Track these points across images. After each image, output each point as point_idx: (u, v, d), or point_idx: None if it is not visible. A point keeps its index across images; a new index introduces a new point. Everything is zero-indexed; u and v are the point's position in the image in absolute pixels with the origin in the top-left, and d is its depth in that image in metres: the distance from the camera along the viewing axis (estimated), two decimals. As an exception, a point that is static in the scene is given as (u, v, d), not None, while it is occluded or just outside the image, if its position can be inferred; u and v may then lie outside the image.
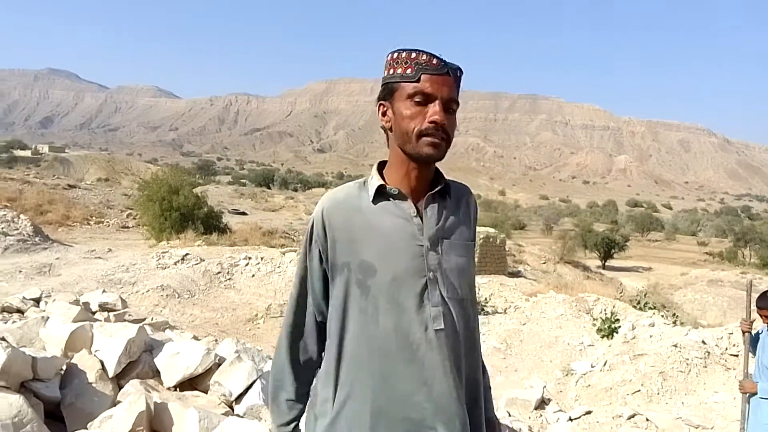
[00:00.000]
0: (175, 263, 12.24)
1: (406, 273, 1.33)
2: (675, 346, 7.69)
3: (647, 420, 6.14)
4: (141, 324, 4.23)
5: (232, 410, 3.34)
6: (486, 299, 11.79)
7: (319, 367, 1.46)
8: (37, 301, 5.34)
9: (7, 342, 3.20)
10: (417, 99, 1.31)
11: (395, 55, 1.35)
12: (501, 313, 11.35)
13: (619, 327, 9.29)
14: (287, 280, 11.62)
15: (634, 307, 11.40)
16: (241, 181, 72.51)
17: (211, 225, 18.15)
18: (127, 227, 20.29)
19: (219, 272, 11.84)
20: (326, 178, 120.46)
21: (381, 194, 1.38)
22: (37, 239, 13.71)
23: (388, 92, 1.38)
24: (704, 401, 6.47)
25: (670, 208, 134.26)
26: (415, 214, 1.36)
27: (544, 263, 27.41)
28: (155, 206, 17.12)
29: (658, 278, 26.75)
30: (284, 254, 13.00)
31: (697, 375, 7.17)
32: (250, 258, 12.56)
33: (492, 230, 21.90)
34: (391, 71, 1.36)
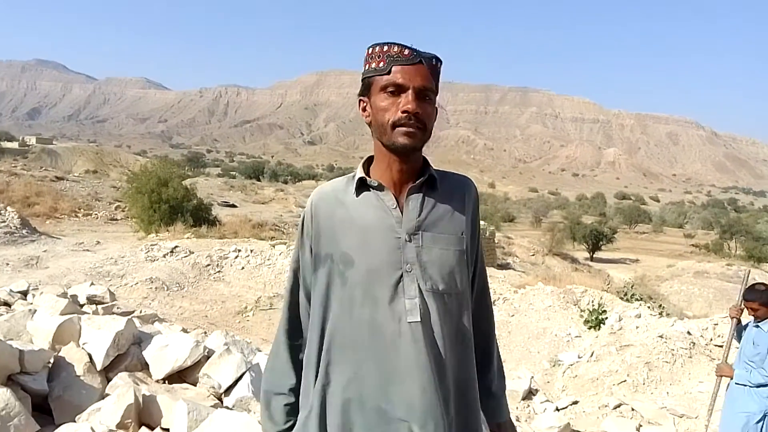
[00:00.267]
0: (164, 256, 12.19)
1: (381, 265, 1.33)
2: (661, 337, 7.80)
3: (633, 410, 6.23)
4: (129, 317, 4.22)
5: (221, 402, 3.35)
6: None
7: None
8: (24, 293, 5.31)
9: (-6, 335, 3.19)
10: (390, 90, 1.32)
11: (370, 50, 1.37)
12: (490, 304, 11.40)
13: (606, 318, 9.38)
14: (277, 272, 11.61)
15: (621, 298, 11.50)
16: (231, 173, 72.11)
17: (200, 217, 18.08)
18: (116, 219, 20.17)
19: (208, 265, 11.81)
20: (317, 170, 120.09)
21: (363, 186, 1.40)
22: (24, 232, 13.60)
23: (365, 88, 1.39)
24: (689, 391, 6.57)
25: (658, 201, 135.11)
26: (395, 205, 1.36)
27: (533, 255, 27.57)
28: (144, 198, 17.03)
29: (645, 270, 26.98)
30: (274, 247, 12.98)
31: (683, 365, 7.27)
32: (239, 250, 12.54)
33: (481, 222, 21.94)
34: (367, 66, 1.37)
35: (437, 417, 1.30)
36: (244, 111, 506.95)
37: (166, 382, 3.50)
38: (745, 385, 3.78)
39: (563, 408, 6.45)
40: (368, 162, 1.46)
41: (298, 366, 1.46)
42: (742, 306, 4.11)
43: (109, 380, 3.31)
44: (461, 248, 1.40)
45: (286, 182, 60.95)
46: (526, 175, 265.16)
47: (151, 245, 12.92)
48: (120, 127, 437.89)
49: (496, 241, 24.36)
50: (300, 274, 1.46)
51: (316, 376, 1.38)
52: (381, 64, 1.34)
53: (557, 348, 8.96)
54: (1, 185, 19.92)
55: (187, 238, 14.65)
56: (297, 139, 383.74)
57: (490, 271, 15.93)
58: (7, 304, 4.88)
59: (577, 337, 9.28)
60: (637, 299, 11.79)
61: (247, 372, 3.49)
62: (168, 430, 2.93)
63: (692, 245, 45.33)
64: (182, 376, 3.58)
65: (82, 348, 3.38)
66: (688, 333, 8.02)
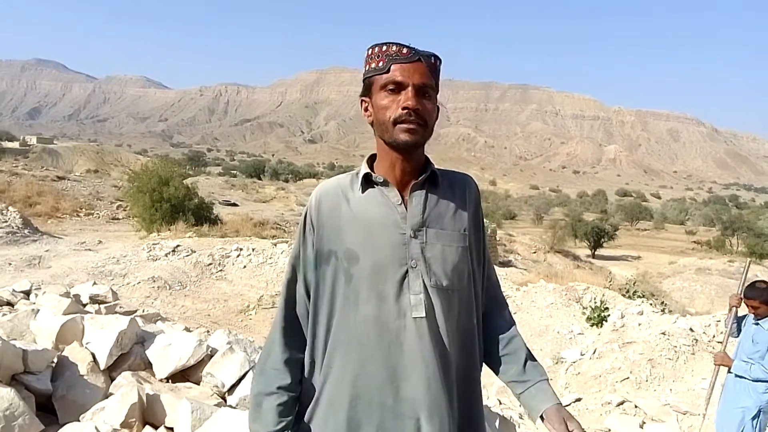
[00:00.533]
0: (166, 255, 12.20)
1: (386, 261, 1.33)
2: (663, 333, 7.79)
3: (636, 407, 6.23)
4: (132, 316, 4.22)
5: (225, 401, 3.35)
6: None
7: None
8: (27, 293, 5.32)
9: (-2, 335, 3.19)
10: (390, 88, 1.34)
11: (369, 51, 1.38)
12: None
13: (609, 315, 9.38)
14: (279, 271, 11.62)
15: (623, 295, 11.50)
16: (232, 172, 72.14)
17: (201, 216, 18.09)
18: (118, 219, 20.18)
19: (210, 264, 11.82)
20: (317, 168, 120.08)
21: (368, 183, 1.41)
22: (26, 231, 13.62)
23: (366, 88, 1.41)
24: (692, 388, 6.57)
25: (659, 198, 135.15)
26: (400, 202, 1.37)
27: (535, 253, 27.55)
28: (145, 198, 17.03)
29: (647, 267, 26.97)
30: (275, 245, 12.99)
31: (685, 362, 7.26)
32: (241, 249, 12.55)
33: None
34: (367, 67, 1.39)
35: (443, 411, 1.31)
36: (245, 109, 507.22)
37: (170, 381, 3.50)
38: (743, 378, 3.78)
39: (566, 405, 6.45)
40: (371, 159, 1.46)
41: (293, 365, 1.44)
42: (742, 296, 4.11)
43: (112, 379, 3.31)
44: (464, 245, 1.42)
45: (287, 181, 60.95)
46: (527, 173, 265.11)
47: (153, 244, 12.93)
48: (120, 127, 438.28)
49: (498, 239, 24.35)
50: (299, 270, 1.45)
51: (321, 373, 1.38)
52: (380, 64, 1.35)
53: (560, 345, 8.97)
54: (3, 185, 19.94)
55: (189, 237, 14.66)
56: (297, 137, 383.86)
57: (492, 269, 15.89)
58: (10, 303, 4.88)
59: (579, 334, 9.28)
60: (639, 296, 11.78)
61: (251, 370, 3.48)
62: (172, 429, 2.93)
63: (694, 242, 45.28)
64: (185, 375, 3.57)
65: (86, 347, 3.38)
66: (691, 330, 8.01)
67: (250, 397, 1.48)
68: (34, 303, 4.65)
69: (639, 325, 8.62)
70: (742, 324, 4.07)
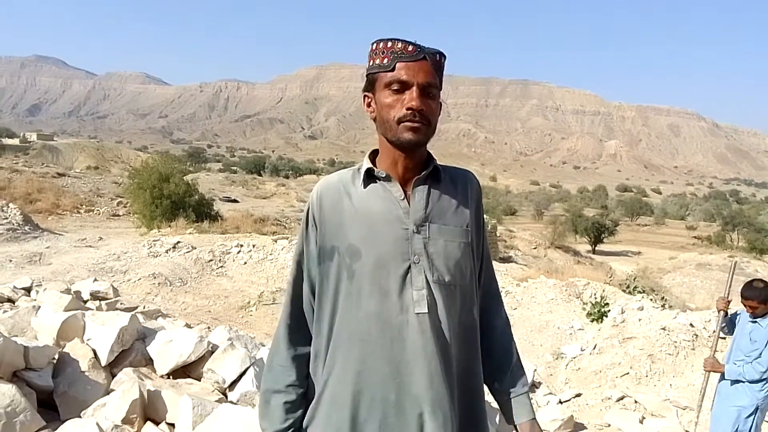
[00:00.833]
0: (167, 251, 12.21)
1: (389, 256, 1.33)
2: (663, 329, 7.80)
3: (636, 402, 6.24)
4: (133, 312, 4.24)
5: (226, 397, 3.36)
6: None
7: None
8: (28, 290, 5.33)
9: (-1, 331, 3.20)
10: (394, 87, 1.33)
11: (374, 46, 1.37)
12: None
13: (609, 311, 9.39)
14: (279, 267, 11.63)
15: (624, 291, 11.51)
16: (232, 168, 72.12)
17: (202, 213, 18.07)
18: (118, 215, 20.18)
19: (211, 260, 11.83)
20: (318, 164, 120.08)
21: (370, 178, 1.40)
22: (26, 228, 13.62)
23: (369, 83, 1.40)
24: (692, 383, 6.57)
25: (660, 193, 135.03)
26: (403, 197, 1.37)
27: (535, 248, 27.54)
28: (146, 194, 17.02)
29: (648, 262, 26.98)
30: (276, 241, 12.99)
31: (685, 357, 7.27)
32: (241, 245, 12.55)
33: (484, 217, 21.95)
34: (371, 62, 1.38)
35: (445, 406, 1.32)
36: (245, 106, 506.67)
37: (171, 377, 3.51)
38: (740, 381, 3.75)
39: (566, 401, 6.46)
40: (373, 155, 1.46)
41: (299, 362, 1.45)
42: (730, 298, 4.08)
43: (113, 376, 3.32)
44: (466, 240, 1.42)
45: (287, 177, 60.83)
46: (528, 168, 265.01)
47: (154, 241, 12.94)
48: (120, 123, 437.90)
49: (498, 235, 24.35)
50: (304, 267, 1.45)
51: (323, 367, 1.38)
52: (385, 61, 1.34)
53: (560, 341, 8.98)
54: (3, 182, 19.92)
55: (189, 233, 14.66)
56: (298, 133, 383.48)
57: (493, 264, 15.91)
58: (11, 300, 4.90)
59: (579, 329, 9.29)
60: (639, 291, 11.79)
61: (252, 366, 3.49)
62: (173, 425, 2.94)
63: (694, 237, 45.29)
64: (186, 371, 3.58)
65: (87, 344, 3.39)
66: (691, 325, 8.02)
67: (260, 393, 1.50)
68: (35, 300, 4.66)
69: (639, 320, 8.62)
70: (736, 321, 4.03)
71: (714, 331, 4.36)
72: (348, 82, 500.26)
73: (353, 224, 1.36)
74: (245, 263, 11.91)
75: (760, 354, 3.67)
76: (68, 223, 17.48)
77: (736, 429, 3.73)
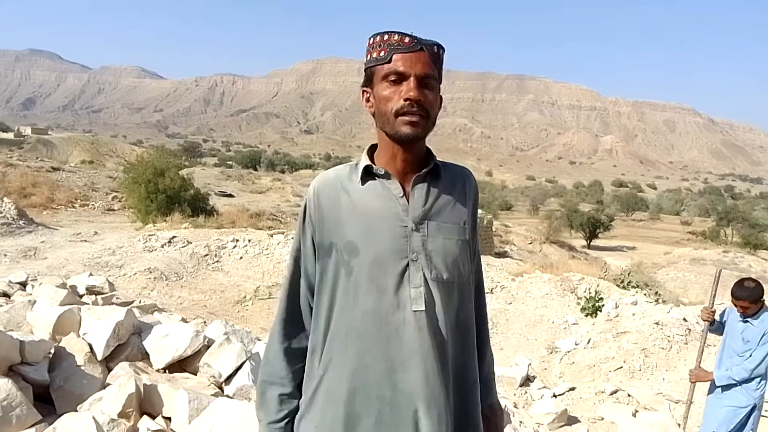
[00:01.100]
0: (162, 246, 12.20)
1: (387, 253, 1.32)
2: (657, 323, 7.85)
3: (629, 395, 6.29)
4: (129, 307, 4.24)
5: (222, 391, 3.38)
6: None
7: None
8: (23, 284, 5.32)
9: (-5, 326, 3.20)
10: (392, 79, 1.32)
11: (371, 40, 1.36)
12: (487, 292, 11.40)
13: (603, 305, 9.43)
14: (275, 262, 11.64)
15: (618, 286, 11.56)
16: (228, 162, 71.93)
17: (197, 207, 18.06)
18: (113, 210, 20.13)
19: (206, 254, 11.83)
20: (313, 159, 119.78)
21: (369, 174, 1.39)
22: (21, 223, 13.58)
23: (367, 78, 1.39)
24: (684, 377, 6.60)
25: (655, 188, 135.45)
26: (402, 194, 1.36)
27: (531, 243, 27.63)
28: (141, 189, 16.99)
29: (642, 257, 27.07)
30: (272, 236, 12.99)
31: (678, 351, 7.32)
32: (237, 240, 12.55)
33: (479, 211, 21.98)
34: (368, 57, 1.37)
35: (440, 403, 1.32)
36: (240, 100, 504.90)
37: (167, 371, 3.52)
38: (733, 385, 3.71)
39: (560, 394, 6.50)
40: (371, 150, 1.45)
41: (292, 357, 1.45)
42: (714, 309, 4.04)
43: (109, 370, 3.33)
44: (464, 238, 1.41)
45: (283, 171, 60.79)
46: (524, 163, 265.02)
47: (149, 235, 12.93)
48: (115, 117, 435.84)
49: (494, 230, 24.39)
50: (301, 263, 1.44)
51: (321, 365, 1.38)
52: (382, 54, 1.33)
53: (554, 335, 9.02)
54: (-3, 176, 19.85)
55: (185, 228, 14.65)
56: (293, 128, 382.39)
57: (488, 260, 15.99)
58: (6, 295, 4.89)
59: (574, 324, 9.33)
60: (633, 286, 11.85)
61: (248, 361, 3.51)
62: (169, 418, 2.95)
63: (689, 232, 45.46)
64: (182, 365, 3.59)
65: (83, 338, 3.39)
66: (684, 320, 8.08)
67: (257, 384, 1.51)
68: (31, 294, 4.66)
69: (633, 315, 8.67)
70: (724, 319, 3.99)
71: (699, 343, 4.34)
72: (344, 77, 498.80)
73: (351, 221, 1.35)
74: (241, 258, 11.92)
75: (751, 354, 3.63)
76: (63, 218, 17.43)
77: (733, 427, 3.69)
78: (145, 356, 3.57)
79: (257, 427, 1.49)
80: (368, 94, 1.40)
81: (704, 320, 4.10)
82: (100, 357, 3.32)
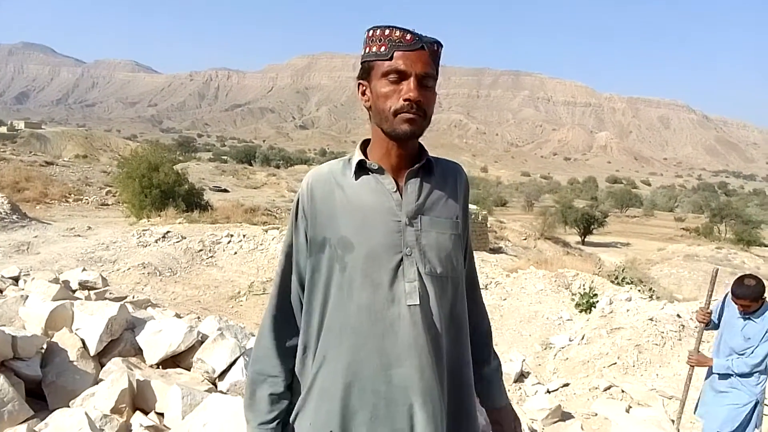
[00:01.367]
0: (156, 241, 12.16)
1: (381, 248, 1.32)
2: (651, 319, 7.88)
3: (623, 391, 6.32)
4: (122, 302, 4.22)
5: (216, 387, 3.36)
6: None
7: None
8: (15, 279, 5.29)
9: (-14, 321, 3.18)
10: (391, 77, 1.31)
11: (371, 33, 1.34)
12: (482, 288, 11.46)
13: (597, 302, 9.46)
14: (270, 257, 11.62)
15: (612, 282, 11.61)
16: (222, 157, 71.72)
17: (192, 202, 18.00)
18: (107, 205, 20.05)
19: (201, 250, 11.79)
20: (309, 154, 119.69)
21: (362, 169, 1.38)
22: (14, 217, 13.50)
23: (365, 71, 1.37)
24: (678, 373, 6.65)
25: (649, 185, 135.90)
26: (395, 189, 1.36)
27: (525, 239, 27.70)
28: (135, 183, 16.92)
29: (636, 253, 27.19)
30: (266, 231, 12.97)
31: (672, 348, 7.36)
32: (232, 235, 12.52)
33: (473, 207, 22.03)
34: (367, 50, 1.35)
35: (435, 398, 1.32)
36: (235, 95, 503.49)
37: (160, 367, 3.50)
38: (730, 375, 3.67)
39: (554, 390, 6.52)
40: (364, 145, 1.44)
41: (284, 354, 1.43)
42: (710, 310, 4.00)
43: (102, 365, 3.31)
44: (457, 232, 1.41)
45: (278, 167, 60.60)
46: (518, 159, 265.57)
47: (143, 230, 12.87)
48: (109, 111, 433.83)
49: (489, 226, 24.44)
50: (294, 259, 1.43)
51: (314, 362, 1.37)
52: (382, 49, 1.31)
53: (549, 331, 9.05)
54: (-10, 170, 19.72)
55: (179, 223, 14.60)
56: (288, 123, 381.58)
57: (483, 255, 16.01)
58: (-2, 290, 4.86)
59: (568, 320, 9.36)
60: (627, 283, 11.90)
61: (241, 356, 3.49)
62: (162, 414, 2.94)
63: (683, 229, 45.67)
64: (176, 361, 3.58)
65: (75, 333, 3.37)
66: (678, 316, 8.11)
67: (245, 383, 1.48)
68: (23, 289, 4.63)
69: (627, 311, 8.71)
70: (717, 313, 3.94)
71: (696, 330, 4.32)
72: (339, 72, 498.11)
73: (345, 216, 1.34)
74: (235, 253, 11.89)
75: (753, 351, 3.58)
76: (56, 212, 17.34)
77: (737, 426, 3.65)
78: (138, 352, 3.56)
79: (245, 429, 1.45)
80: (365, 87, 1.38)
81: (700, 322, 4.03)
82: (92, 352, 3.30)
